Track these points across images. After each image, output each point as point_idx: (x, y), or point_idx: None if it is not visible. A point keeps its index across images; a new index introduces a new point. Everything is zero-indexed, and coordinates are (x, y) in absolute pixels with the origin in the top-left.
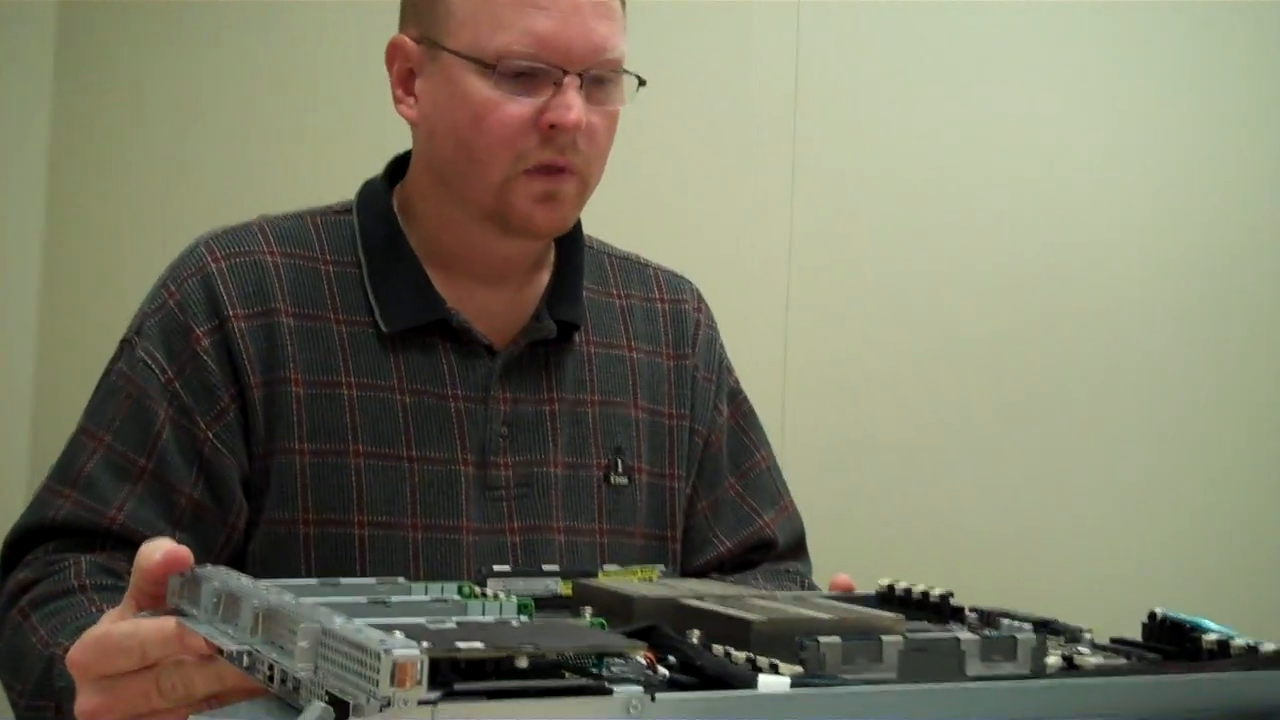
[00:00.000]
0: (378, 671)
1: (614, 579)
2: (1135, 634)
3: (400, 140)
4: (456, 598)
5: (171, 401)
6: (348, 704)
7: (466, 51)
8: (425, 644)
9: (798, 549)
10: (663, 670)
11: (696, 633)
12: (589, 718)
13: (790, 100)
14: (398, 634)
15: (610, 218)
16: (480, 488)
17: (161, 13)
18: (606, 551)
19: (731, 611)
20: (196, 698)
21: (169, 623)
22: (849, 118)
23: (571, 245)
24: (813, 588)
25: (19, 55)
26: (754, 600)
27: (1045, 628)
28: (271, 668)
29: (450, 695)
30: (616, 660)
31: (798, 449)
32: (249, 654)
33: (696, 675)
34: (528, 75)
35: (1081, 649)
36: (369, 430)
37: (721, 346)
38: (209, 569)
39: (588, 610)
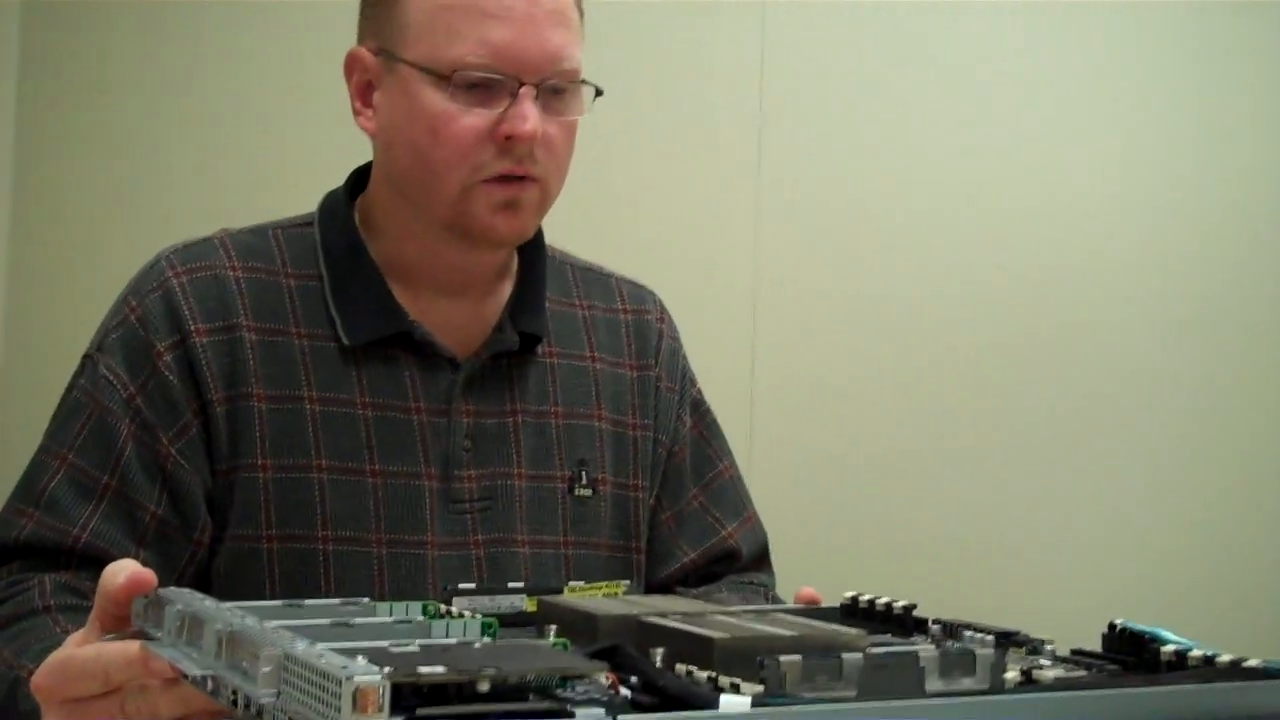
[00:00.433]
0: (339, 698)
1: (578, 596)
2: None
3: (367, 147)
4: (420, 618)
5: (134, 418)
6: None
7: (422, 63)
8: (387, 669)
9: (761, 560)
10: (625, 691)
11: (660, 650)
12: None
13: (755, 108)
14: (360, 659)
15: (573, 227)
16: (444, 501)
17: (128, 14)
18: (571, 563)
19: (694, 629)
20: None
21: (133, 646)
22: (815, 125)
23: (534, 255)
24: (777, 600)
25: None
26: (717, 617)
27: (1008, 639)
28: (235, 692)
29: None
30: (579, 681)
31: (765, 460)
32: (212, 679)
33: (658, 695)
34: (483, 86)
35: (1042, 661)
36: (331, 445)
37: (684, 357)
38: (173, 591)
39: (552, 630)
